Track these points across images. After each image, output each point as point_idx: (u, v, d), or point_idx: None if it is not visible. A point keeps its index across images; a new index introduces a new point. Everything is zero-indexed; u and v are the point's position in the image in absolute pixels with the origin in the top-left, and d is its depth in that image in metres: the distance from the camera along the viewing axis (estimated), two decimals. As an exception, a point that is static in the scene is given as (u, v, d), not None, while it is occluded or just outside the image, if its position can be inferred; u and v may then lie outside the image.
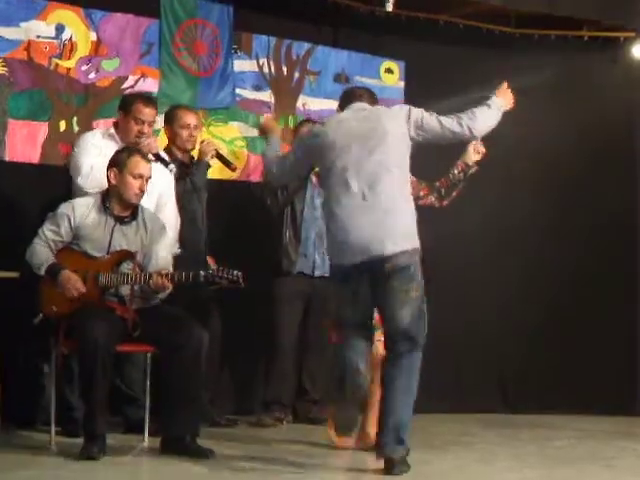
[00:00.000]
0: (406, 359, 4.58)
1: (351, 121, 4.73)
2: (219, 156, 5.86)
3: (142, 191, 4.97)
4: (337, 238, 4.64)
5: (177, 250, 5.43)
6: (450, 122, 4.69)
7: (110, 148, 5.18)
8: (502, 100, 4.80)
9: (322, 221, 5.27)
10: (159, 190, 5.34)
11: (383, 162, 4.59)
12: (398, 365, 4.58)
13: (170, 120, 5.90)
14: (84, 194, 5.12)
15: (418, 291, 4.59)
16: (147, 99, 5.45)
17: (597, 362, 7.30)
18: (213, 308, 5.93)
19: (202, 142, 5.88)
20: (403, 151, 4.67)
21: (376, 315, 4.88)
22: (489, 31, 7.30)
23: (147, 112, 5.36)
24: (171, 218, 5.39)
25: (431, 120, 4.69)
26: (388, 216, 4.55)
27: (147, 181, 4.99)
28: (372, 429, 5.21)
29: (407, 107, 4.77)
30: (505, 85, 4.85)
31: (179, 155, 5.82)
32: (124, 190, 4.94)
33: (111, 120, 5.72)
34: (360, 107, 4.81)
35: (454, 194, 5.49)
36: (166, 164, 5.40)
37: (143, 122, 5.33)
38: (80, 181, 5.20)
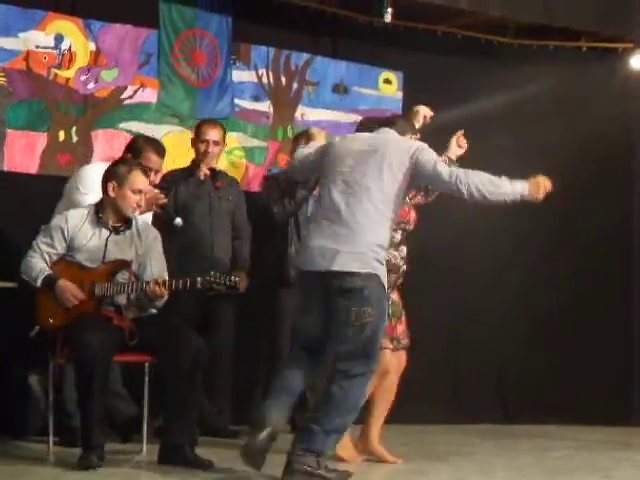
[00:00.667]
0: (350, 380, 4.42)
1: (360, 141, 4.69)
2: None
3: (139, 205, 5.00)
4: (303, 241, 4.63)
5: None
6: (444, 169, 4.51)
7: None
8: (528, 187, 4.60)
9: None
10: None
11: (370, 186, 4.49)
12: (341, 385, 4.43)
13: (195, 133, 5.98)
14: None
15: (373, 317, 4.41)
16: (157, 147, 5.42)
17: (594, 373, 7.31)
18: (225, 319, 5.97)
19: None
20: (398, 184, 4.52)
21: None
22: (487, 42, 7.31)
23: (156, 160, 5.37)
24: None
25: (428, 162, 4.51)
26: (352, 236, 4.43)
27: (145, 195, 5.01)
28: (374, 438, 5.22)
29: (417, 145, 4.60)
30: (544, 179, 4.64)
31: (201, 170, 5.87)
32: (122, 204, 4.95)
33: (110, 131, 5.70)
34: (384, 132, 4.73)
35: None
36: (171, 219, 5.34)
37: (150, 170, 5.29)
38: None
